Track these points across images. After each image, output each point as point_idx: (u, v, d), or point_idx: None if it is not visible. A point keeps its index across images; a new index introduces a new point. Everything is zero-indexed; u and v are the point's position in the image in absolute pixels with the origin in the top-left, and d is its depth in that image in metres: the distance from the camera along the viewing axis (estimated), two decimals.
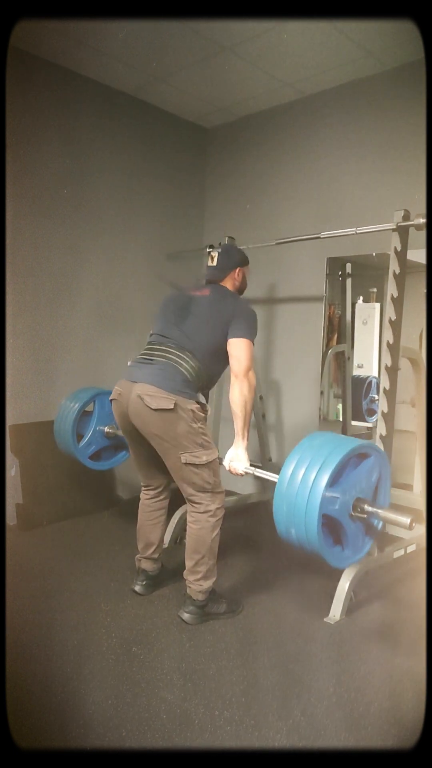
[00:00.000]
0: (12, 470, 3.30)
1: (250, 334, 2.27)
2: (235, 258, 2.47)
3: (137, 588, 2.52)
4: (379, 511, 1.89)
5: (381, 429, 2.57)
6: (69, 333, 3.54)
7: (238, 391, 2.20)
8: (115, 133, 3.69)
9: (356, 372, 3.62)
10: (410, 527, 1.85)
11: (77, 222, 3.52)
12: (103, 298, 3.71)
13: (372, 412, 3.31)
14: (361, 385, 3.57)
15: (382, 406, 2.58)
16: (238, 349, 2.23)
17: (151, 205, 3.96)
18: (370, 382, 3.53)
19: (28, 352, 3.35)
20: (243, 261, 2.51)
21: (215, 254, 2.46)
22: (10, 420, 3.28)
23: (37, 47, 3.14)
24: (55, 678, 1.92)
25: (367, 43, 2.96)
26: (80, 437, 3.00)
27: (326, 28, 2.81)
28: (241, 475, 2.26)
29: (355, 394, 3.59)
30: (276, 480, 2.00)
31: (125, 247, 3.82)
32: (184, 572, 2.32)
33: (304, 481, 1.81)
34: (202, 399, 2.29)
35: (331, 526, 1.88)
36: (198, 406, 2.21)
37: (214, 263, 2.46)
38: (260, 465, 3.91)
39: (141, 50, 3.13)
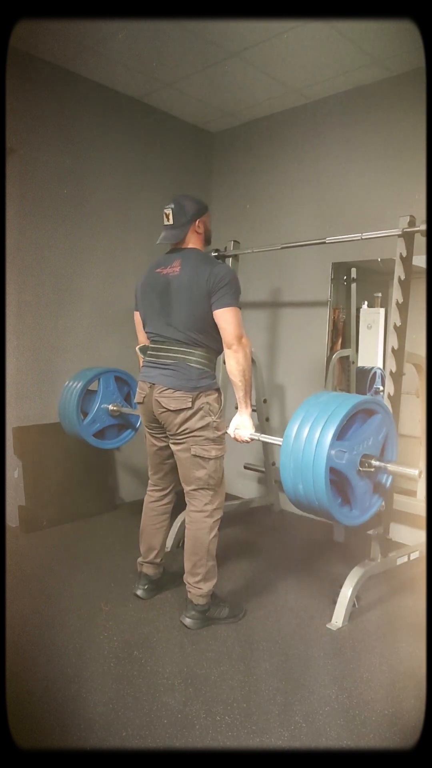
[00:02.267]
0: (15, 472, 3.30)
1: (234, 299, 2.16)
2: (191, 209, 2.27)
3: (139, 592, 2.52)
4: (387, 465, 1.88)
5: None
6: (68, 332, 3.54)
7: (234, 362, 2.16)
8: (120, 135, 3.70)
9: (360, 363, 3.61)
10: (418, 477, 1.83)
11: (78, 223, 3.53)
12: (104, 298, 3.70)
13: None
14: (365, 377, 3.56)
15: None
16: (224, 319, 2.14)
17: (157, 209, 3.96)
18: (375, 373, 3.52)
19: (29, 353, 3.35)
20: (201, 210, 2.32)
21: (168, 211, 2.27)
22: (14, 422, 3.29)
23: (43, 51, 3.16)
24: (56, 680, 1.92)
25: (373, 49, 2.97)
26: (85, 415, 3.00)
27: (332, 34, 2.82)
28: (247, 441, 2.26)
29: (359, 386, 3.58)
30: (279, 442, 1.98)
31: (126, 247, 3.82)
32: (184, 575, 2.31)
33: (311, 435, 1.78)
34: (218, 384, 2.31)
35: (338, 485, 1.86)
36: (215, 396, 2.24)
37: (170, 221, 2.27)
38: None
39: (148, 56, 3.15)
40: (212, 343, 2.24)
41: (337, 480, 1.85)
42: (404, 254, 2.55)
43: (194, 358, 2.21)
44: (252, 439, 2.25)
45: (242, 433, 2.24)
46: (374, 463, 1.87)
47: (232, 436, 2.28)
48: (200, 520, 2.27)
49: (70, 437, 3.05)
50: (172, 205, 2.27)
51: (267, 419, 3.62)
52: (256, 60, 3.14)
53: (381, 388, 2.59)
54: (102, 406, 3.03)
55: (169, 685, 1.92)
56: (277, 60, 3.13)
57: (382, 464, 1.88)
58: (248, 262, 3.82)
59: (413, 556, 2.74)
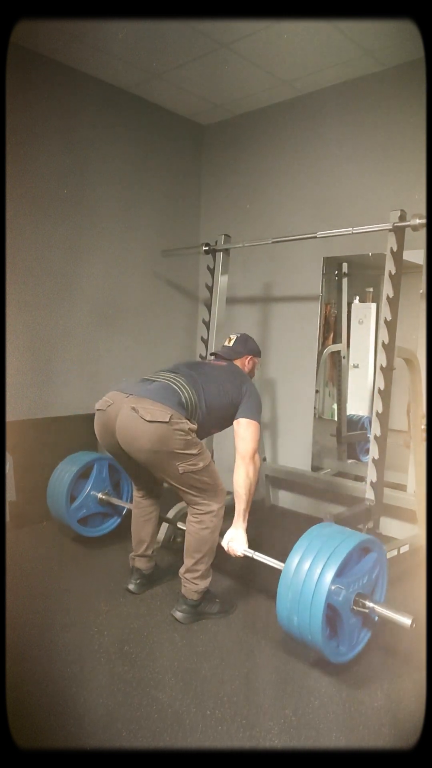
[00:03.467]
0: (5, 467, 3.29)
1: (258, 417, 2.31)
2: (250, 346, 2.59)
3: (131, 587, 2.52)
4: (381, 608, 1.88)
5: (375, 430, 2.57)
6: (67, 331, 3.53)
7: (243, 474, 2.22)
8: (114, 129, 3.67)
9: (350, 412, 3.64)
10: (411, 626, 1.82)
11: (76, 221, 3.51)
12: (102, 297, 3.69)
13: (367, 451, 3.25)
14: (354, 427, 3.63)
15: (377, 406, 2.58)
16: (247, 430, 2.26)
17: (150, 203, 3.95)
18: (363, 423, 3.57)
19: (25, 350, 3.33)
20: (256, 351, 2.61)
21: (233, 337, 2.60)
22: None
23: (35, 44, 3.12)
24: (48, 678, 1.91)
25: (366, 42, 2.95)
26: (72, 499, 2.95)
27: (324, 26, 2.81)
28: (240, 556, 2.26)
29: (350, 433, 3.62)
30: (277, 566, 2.04)
31: (124, 246, 3.80)
32: (181, 570, 2.31)
33: (312, 569, 1.84)
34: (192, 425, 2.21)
35: (329, 618, 1.88)
36: (190, 425, 2.15)
37: (231, 345, 2.58)
38: None
39: (139, 47, 3.12)
40: (207, 417, 2.25)
41: (330, 615, 1.87)
42: (395, 249, 2.55)
43: (185, 393, 2.19)
44: (245, 555, 2.24)
45: (236, 547, 2.25)
46: (368, 604, 1.88)
47: (226, 549, 2.28)
48: (207, 520, 2.25)
49: (58, 430, 3.02)
50: (238, 335, 2.61)
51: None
52: (246, 51, 3.11)
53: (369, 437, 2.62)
54: (91, 492, 2.99)
55: (159, 680, 1.92)
56: (268, 52, 3.11)
57: (376, 606, 1.88)
58: (239, 256, 3.81)
59: (403, 549, 2.75)
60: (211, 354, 2.69)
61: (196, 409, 2.21)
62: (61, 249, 3.44)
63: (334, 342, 3.66)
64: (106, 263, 3.70)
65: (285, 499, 3.91)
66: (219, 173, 4.21)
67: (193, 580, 2.27)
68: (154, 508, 2.53)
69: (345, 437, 3.66)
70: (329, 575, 1.79)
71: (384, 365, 2.54)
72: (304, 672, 2.00)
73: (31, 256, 3.30)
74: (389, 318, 2.55)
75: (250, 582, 2.68)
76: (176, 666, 2.01)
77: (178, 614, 2.29)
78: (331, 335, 3.67)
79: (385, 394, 2.55)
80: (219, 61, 3.22)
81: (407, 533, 3.04)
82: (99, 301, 3.68)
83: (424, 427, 2.86)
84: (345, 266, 3.60)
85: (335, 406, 3.71)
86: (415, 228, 2.50)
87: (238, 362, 2.54)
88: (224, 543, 2.28)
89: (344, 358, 3.64)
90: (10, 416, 3.28)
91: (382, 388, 2.55)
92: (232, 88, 3.62)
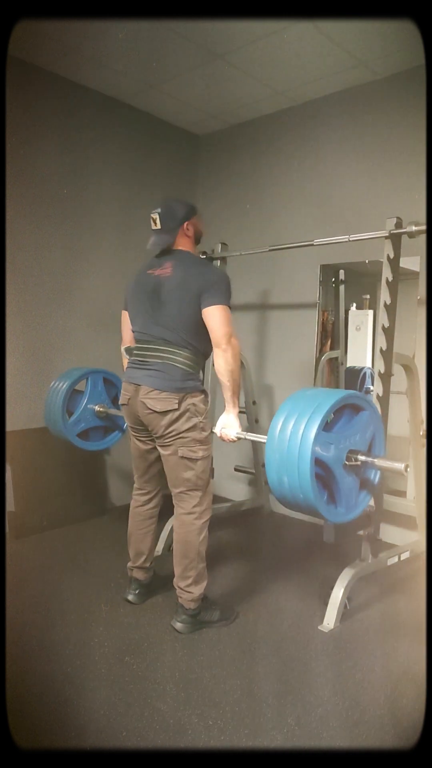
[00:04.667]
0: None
1: (224, 298, 2.14)
2: (179, 213, 2.26)
3: (130, 597, 2.50)
4: (374, 459, 1.86)
5: None
6: (67, 335, 3.52)
7: (222, 361, 2.14)
8: (112, 139, 3.69)
9: (350, 363, 3.60)
10: (405, 471, 1.82)
11: (76, 223, 3.52)
12: (103, 299, 3.68)
13: None
14: (356, 377, 3.56)
15: None
16: (212, 318, 2.12)
17: (148, 210, 3.95)
18: (365, 373, 3.52)
19: (25, 356, 3.33)
20: (189, 212, 2.31)
21: (156, 216, 2.24)
22: None
23: (33, 56, 3.14)
24: (47, 691, 1.89)
25: (359, 52, 2.98)
26: (70, 415, 2.94)
27: (318, 36, 2.83)
28: (234, 440, 2.24)
29: (350, 386, 3.58)
30: (264, 439, 1.96)
31: (125, 247, 3.81)
32: (174, 580, 2.30)
33: (296, 426, 1.76)
34: (204, 386, 2.27)
35: (324, 480, 1.84)
36: (201, 397, 2.22)
37: (158, 225, 2.24)
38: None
39: (135, 58, 3.14)
40: (200, 344, 2.22)
41: (323, 475, 1.83)
42: (391, 256, 2.57)
43: (180, 359, 2.19)
44: (239, 438, 2.24)
45: (229, 432, 2.24)
46: (360, 457, 1.86)
47: (219, 435, 2.26)
48: (190, 523, 2.26)
49: (57, 439, 3.02)
50: (159, 209, 2.24)
51: (256, 421, 3.62)
52: (240, 62, 3.14)
53: (371, 388, 2.60)
54: (88, 406, 2.98)
55: (161, 690, 1.91)
56: (262, 62, 3.13)
57: (369, 458, 1.86)
58: (237, 264, 3.81)
59: (404, 556, 2.75)
60: (151, 245, 2.30)
61: (194, 357, 2.21)
62: (61, 249, 3.43)
63: (332, 348, 3.66)
64: (107, 263, 3.68)
65: None
66: (215, 182, 4.24)
67: (186, 588, 2.25)
68: (152, 521, 2.52)
69: None
70: (313, 429, 1.72)
71: (382, 371, 2.55)
72: (306, 680, 1.98)
73: (31, 257, 3.30)
74: (387, 325, 2.56)
75: (250, 588, 2.66)
76: (177, 676, 1.99)
77: (178, 625, 2.27)
78: (329, 342, 3.67)
79: (384, 401, 2.55)
80: (214, 71, 3.25)
81: (407, 540, 3.03)
82: (100, 303, 3.67)
83: (423, 433, 2.86)
84: (342, 273, 3.61)
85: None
86: (411, 235, 2.51)
87: (179, 239, 2.28)
88: (216, 430, 2.26)
89: (342, 364, 3.65)
90: (7, 426, 3.27)
91: (380, 395, 2.55)
92: (227, 99, 3.65)
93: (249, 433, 2.26)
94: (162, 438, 2.23)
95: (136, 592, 2.51)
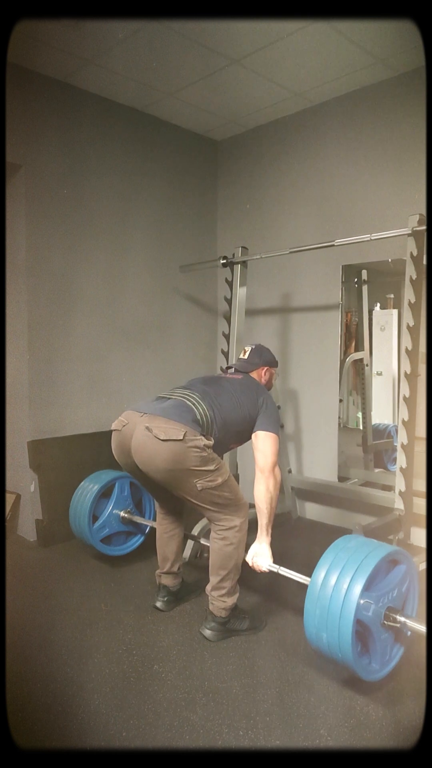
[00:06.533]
0: (31, 486, 3.30)
1: (277, 429, 2.27)
2: (266, 357, 2.54)
3: (158, 604, 2.49)
4: (413, 623, 1.80)
5: (402, 438, 2.52)
6: (80, 344, 3.51)
7: (264, 487, 2.17)
8: (122, 145, 3.71)
9: (375, 420, 3.58)
10: None
11: (82, 229, 3.52)
12: (122, 314, 3.71)
13: (394, 460, 3.18)
14: (381, 436, 3.56)
15: (402, 414, 2.53)
16: (266, 443, 2.21)
17: (172, 220, 3.98)
18: (389, 431, 3.49)
19: (43, 366, 3.35)
20: (272, 362, 2.57)
21: (248, 349, 2.55)
22: (29, 435, 3.29)
23: (45, 68, 3.19)
24: (75, 697, 1.89)
25: (375, 49, 2.95)
26: (95, 519, 2.94)
27: (333, 35, 2.81)
28: (265, 572, 2.21)
29: (376, 443, 3.56)
30: (304, 581, 1.98)
31: (148, 264, 3.84)
32: (207, 587, 2.28)
33: (339, 583, 1.78)
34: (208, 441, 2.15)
35: (359, 635, 1.82)
36: (206, 441, 2.10)
37: (246, 357, 2.53)
38: None
39: (149, 67, 3.16)
40: (224, 432, 2.20)
41: (360, 630, 1.82)
42: (415, 253, 2.52)
43: (200, 409, 2.15)
44: (270, 570, 2.19)
45: (260, 562, 2.21)
46: (399, 618, 1.81)
47: (250, 564, 2.23)
48: (231, 536, 2.21)
49: (83, 449, 3.02)
50: (253, 346, 2.56)
51: (282, 426, 3.59)
52: (257, 66, 3.13)
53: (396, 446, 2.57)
54: (114, 511, 2.98)
55: (190, 699, 1.89)
56: (279, 65, 3.12)
57: (408, 621, 1.81)
58: (257, 268, 3.80)
59: (421, 567, 2.67)
60: (228, 367, 2.66)
61: (212, 425, 2.17)
62: (62, 249, 3.41)
63: (356, 350, 3.61)
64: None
65: (312, 510, 3.85)
66: (233, 186, 4.23)
67: (220, 598, 2.23)
68: (177, 525, 2.51)
69: (371, 446, 3.60)
70: (357, 589, 1.74)
71: (408, 372, 2.50)
72: (338, 690, 1.94)
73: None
74: (412, 323, 2.51)
75: (278, 597, 2.63)
76: (206, 685, 1.97)
77: (207, 632, 2.25)
78: (353, 343, 3.63)
79: (411, 402, 2.50)
80: (230, 76, 3.25)
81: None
82: (118, 318, 3.70)
83: None
84: (364, 273, 3.57)
85: (360, 415, 3.65)
86: None
87: (254, 374, 2.50)
88: (248, 558, 2.24)
89: (367, 365, 3.59)
90: (33, 435, 3.30)
91: (407, 396, 2.50)
92: (244, 103, 3.64)
93: (282, 568, 2.14)
94: (170, 478, 2.09)
95: (165, 599, 2.50)
